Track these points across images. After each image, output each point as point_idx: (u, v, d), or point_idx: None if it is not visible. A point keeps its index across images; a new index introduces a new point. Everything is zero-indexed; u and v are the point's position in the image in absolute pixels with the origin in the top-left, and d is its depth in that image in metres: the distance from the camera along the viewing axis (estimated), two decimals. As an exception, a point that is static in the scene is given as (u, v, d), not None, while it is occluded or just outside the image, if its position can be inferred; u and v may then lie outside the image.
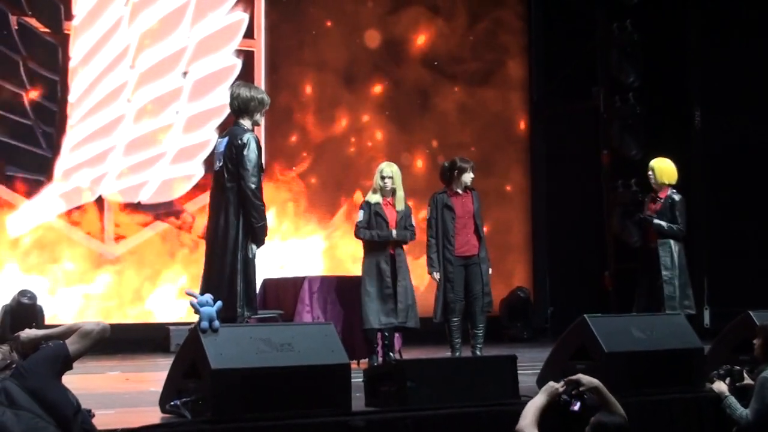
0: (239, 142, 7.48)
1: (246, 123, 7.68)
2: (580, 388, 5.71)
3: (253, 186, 7.53)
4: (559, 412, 5.70)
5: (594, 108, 15.22)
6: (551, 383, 5.78)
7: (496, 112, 15.74)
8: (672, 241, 10.01)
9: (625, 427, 5.57)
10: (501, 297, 14.66)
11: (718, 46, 14.81)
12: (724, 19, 14.68)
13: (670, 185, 10.17)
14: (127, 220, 13.32)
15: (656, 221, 9.99)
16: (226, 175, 7.57)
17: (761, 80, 14.31)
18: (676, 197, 10.12)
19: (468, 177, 10.12)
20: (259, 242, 7.70)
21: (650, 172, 10.21)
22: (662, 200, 10.09)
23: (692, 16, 15.09)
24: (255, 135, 7.65)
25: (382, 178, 10.02)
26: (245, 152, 7.45)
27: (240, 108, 7.65)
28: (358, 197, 10.42)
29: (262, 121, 8.01)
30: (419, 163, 14.91)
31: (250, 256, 7.65)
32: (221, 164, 7.59)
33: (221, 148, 7.63)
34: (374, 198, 10.02)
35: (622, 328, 7.44)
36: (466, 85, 15.54)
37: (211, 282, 7.59)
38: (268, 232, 7.79)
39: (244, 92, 7.68)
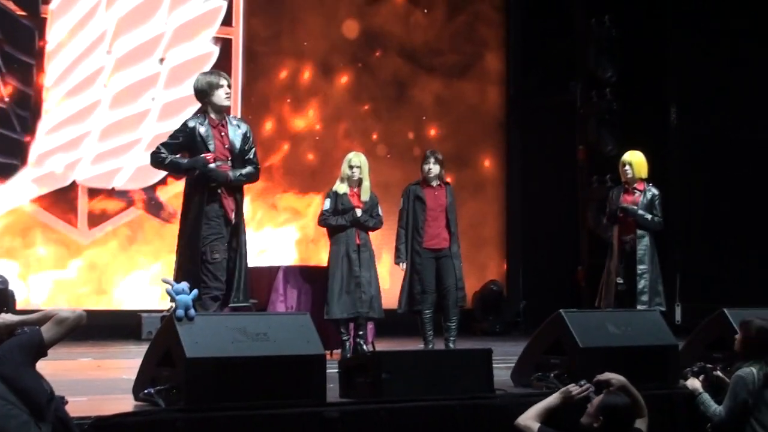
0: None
1: (208, 110, 7.94)
2: (610, 388, 5.75)
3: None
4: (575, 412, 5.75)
5: (571, 103, 15.24)
6: (569, 387, 5.82)
7: (473, 105, 15.74)
8: (648, 235, 10.05)
9: (634, 407, 5.62)
10: (474, 290, 14.66)
11: (695, 42, 14.84)
12: (702, 16, 14.71)
13: (644, 179, 10.22)
14: (100, 206, 13.25)
15: (640, 212, 10.01)
16: None
17: (737, 77, 14.37)
18: (656, 191, 10.16)
19: (425, 168, 10.08)
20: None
21: (627, 167, 10.21)
22: (641, 192, 10.11)
23: (670, 12, 15.12)
24: (195, 116, 8.03)
25: (350, 167, 10.00)
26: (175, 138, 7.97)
27: (200, 99, 7.99)
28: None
29: (221, 100, 7.99)
30: (395, 155, 14.87)
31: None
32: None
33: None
34: (341, 188, 10.00)
35: (598, 324, 7.45)
36: (443, 78, 15.52)
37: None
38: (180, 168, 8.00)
39: (195, 84, 7.98)
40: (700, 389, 6.99)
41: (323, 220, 9.99)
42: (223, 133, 7.99)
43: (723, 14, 14.55)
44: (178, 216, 8.14)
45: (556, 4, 15.49)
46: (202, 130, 7.88)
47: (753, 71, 14.42)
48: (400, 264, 10.07)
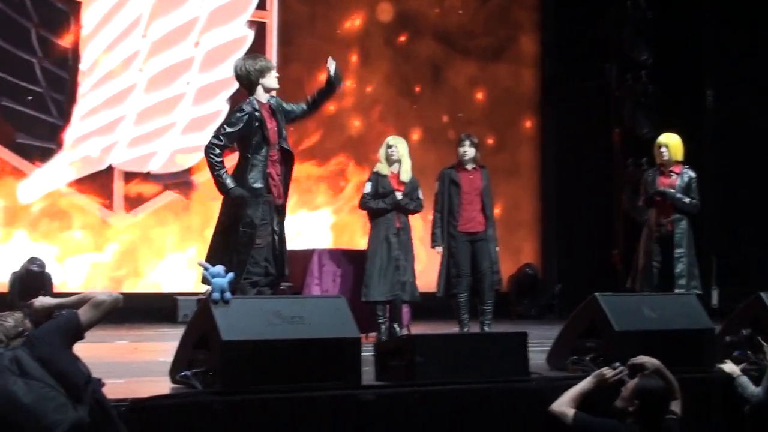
0: (234, 111, 7.73)
1: (257, 94, 7.80)
2: (644, 372, 5.73)
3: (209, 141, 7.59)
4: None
5: (606, 86, 15.17)
6: (602, 370, 5.80)
7: (507, 88, 15.69)
8: (686, 219, 9.98)
9: (669, 390, 5.61)
10: (509, 274, 14.65)
11: (731, 24, 14.74)
12: (739, -1, 14.61)
13: (680, 162, 10.14)
14: (136, 189, 13.32)
15: (678, 195, 9.93)
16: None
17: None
18: (693, 173, 10.07)
19: (461, 151, 10.06)
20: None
21: (663, 149, 10.12)
22: (678, 175, 10.03)
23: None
24: (246, 102, 7.76)
25: (388, 146, 10.01)
26: (227, 123, 7.65)
27: (247, 85, 7.83)
28: (369, 171, 10.43)
29: (274, 83, 8.00)
30: (430, 138, 14.86)
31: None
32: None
33: None
34: (382, 169, 9.99)
35: (633, 307, 7.42)
36: (478, 60, 15.48)
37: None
38: (223, 188, 7.59)
39: (241, 68, 7.80)
40: (738, 371, 6.96)
41: (364, 203, 9.99)
42: (272, 117, 7.94)
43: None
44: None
45: (591, -14, 15.41)
46: (257, 115, 7.78)
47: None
48: (437, 248, 10.07)
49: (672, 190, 9.96)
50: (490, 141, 15.11)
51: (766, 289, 7.98)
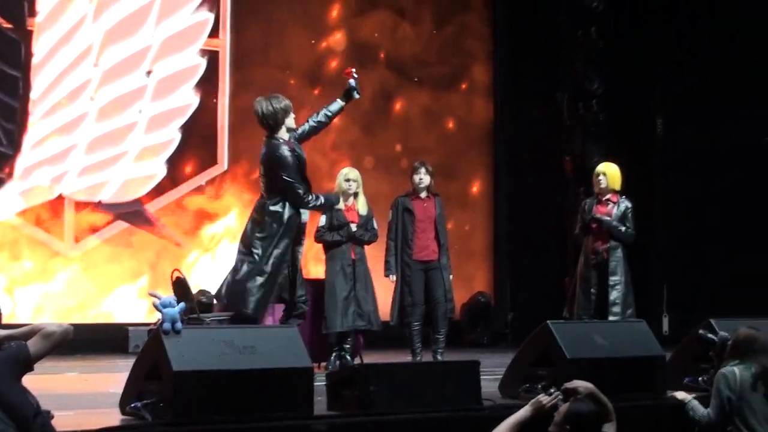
0: (277, 153, 8.03)
1: (280, 133, 8.21)
2: (577, 396, 5.74)
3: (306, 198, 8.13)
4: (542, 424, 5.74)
5: (558, 114, 15.26)
6: (539, 397, 5.80)
7: (460, 117, 15.75)
8: (621, 247, 10.13)
9: (601, 413, 5.62)
10: (462, 302, 14.65)
11: (681, 54, 14.90)
12: (688, 28, 14.77)
13: (617, 191, 10.31)
14: (87, 219, 13.22)
15: (615, 223, 10.09)
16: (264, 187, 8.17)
17: (722, 88, 14.41)
18: (629, 203, 10.27)
19: (416, 178, 10.15)
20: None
21: (601, 177, 10.33)
22: (615, 204, 10.17)
23: (656, 24, 15.17)
24: (283, 143, 8.18)
25: (347, 180, 10.06)
26: (284, 166, 7.99)
27: (272, 124, 8.18)
28: (322, 200, 10.46)
29: (294, 123, 8.43)
30: (382, 167, 14.87)
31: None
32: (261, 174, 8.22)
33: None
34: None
35: (585, 335, 7.47)
36: (430, 89, 15.54)
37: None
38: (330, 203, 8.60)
39: (266, 107, 8.18)
40: (690, 397, 7.01)
41: (319, 236, 10.04)
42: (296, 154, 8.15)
43: (708, 25, 14.60)
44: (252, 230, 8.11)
45: (542, 16, 15.51)
46: (296, 152, 8.12)
47: (738, 83, 14.47)
48: (390, 276, 10.11)
49: (608, 218, 10.10)
50: (442, 170, 15.13)
51: (716, 316, 8.06)
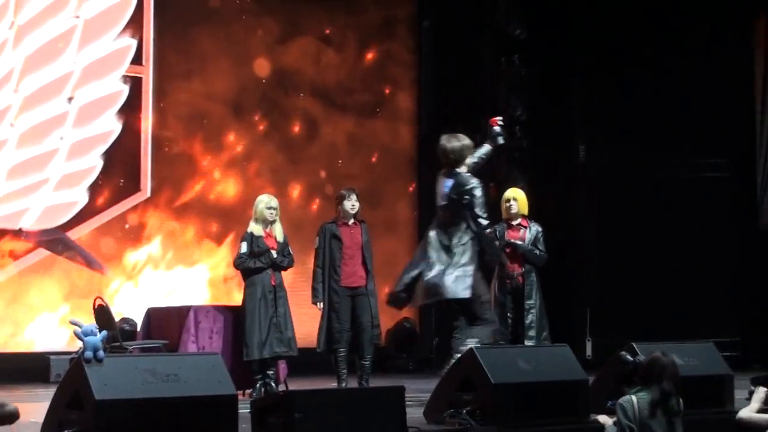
0: (467, 187, 8.90)
1: (463, 169, 9.02)
2: None
3: (485, 223, 9.05)
4: None
5: (482, 141, 15.32)
6: None
7: (385, 144, 15.80)
8: (534, 271, 10.24)
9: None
10: (387, 328, 14.65)
11: (602, 81, 15.10)
12: (609, 55, 14.98)
13: (525, 216, 10.45)
14: (7, 246, 13.04)
15: (530, 247, 10.22)
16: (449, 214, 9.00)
17: (643, 115, 14.64)
18: (539, 227, 10.41)
19: (348, 205, 10.19)
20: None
21: (512, 202, 10.47)
22: (526, 228, 10.29)
23: (578, 51, 15.35)
24: (467, 176, 9.06)
25: (269, 209, 10.12)
26: (474, 197, 8.90)
27: (457, 159, 9.04)
28: (246, 226, 10.45)
29: (471, 160, 9.25)
30: (307, 194, 14.87)
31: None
32: (445, 203, 9.02)
33: (446, 189, 8.98)
34: (257, 230, 10.12)
35: (509, 360, 7.51)
36: (355, 116, 15.57)
37: None
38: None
39: (454, 144, 9.11)
40: (610, 422, 7.05)
41: (241, 263, 10.06)
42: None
43: (628, 52, 14.82)
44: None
45: (466, 44, 15.63)
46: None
47: (657, 110, 14.70)
48: (318, 304, 10.10)
49: (522, 243, 10.22)
50: (367, 196, 15.16)
51: (638, 340, 8.14)
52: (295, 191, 14.75)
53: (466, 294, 8.89)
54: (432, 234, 9.06)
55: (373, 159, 15.67)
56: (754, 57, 15.27)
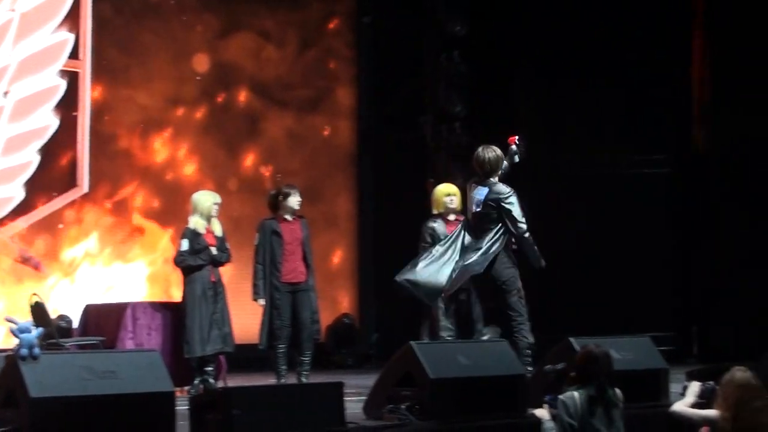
0: (505, 195, 9.60)
1: (496, 179, 9.71)
2: None
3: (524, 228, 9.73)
4: None
5: (422, 137, 15.39)
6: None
7: (324, 140, 15.77)
8: None
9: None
10: (326, 324, 14.61)
11: (542, 77, 15.18)
12: (549, 52, 15.06)
13: (460, 211, 10.53)
14: (-58, 242, 12.89)
15: None
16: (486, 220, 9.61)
17: (583, 112, 14.74)
18: None
19: (294, 201, 10.21)
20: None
21: (453, 197, 10.61)
22: (461, 224, 10.33)
23: (518, 48, 15.42)
24: (505, 185, 9.81)
25: (216, 204, 10.10)
26: (512, 204, 9.63)
27: (493, 169, 9.71)
28: (185, 222, 10.40)
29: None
30: (247, 189, 14.80)
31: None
32: (480, 209, 9.64)
33: (481, 196, 9.62)
34: (200, 226, 10.06)
35: (448, 355, 7.54)
36: (295, 112, 15.52)
37: None
38: None
39: (491, 155, 9.77)
40: (547, 417, 7.09)
41: (182, 261, 9.99)
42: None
43: (570, 50, 14.92)
44: None
45: (406, 40, 15.64)
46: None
47: (597, 107, 14.81)
48: (259, 300, 10.07)
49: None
50: (307, 192, 15.13)
51: (577, 335, 8.20)
52: (235, 186, 14.68)
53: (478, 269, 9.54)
54: (464, 237, 9.77)
55: (313, 155, 15.63)
56: (691, 60, 15.44)
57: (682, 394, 7.60)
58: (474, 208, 9.63)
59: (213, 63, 14.86)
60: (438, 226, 10.44)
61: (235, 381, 10.33)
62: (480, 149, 9.80)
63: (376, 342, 15.47)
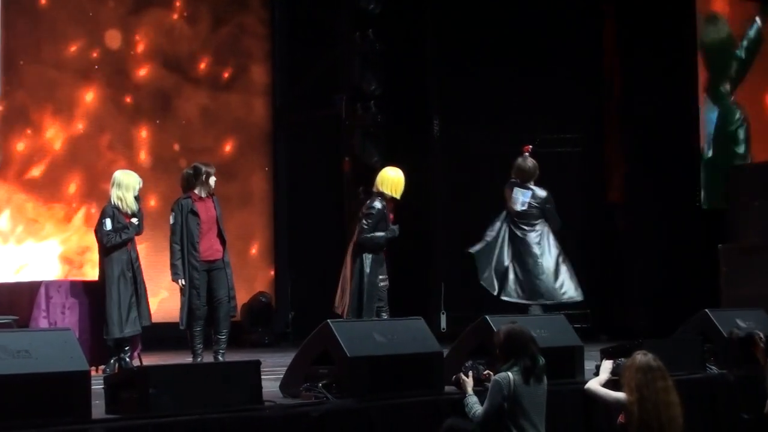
0: (546, 197, 11.28)
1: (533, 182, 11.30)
2: None
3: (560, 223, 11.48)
4: None
5: (336, 115, 15.38)
6: None
7: (239, 117, 15.70)
8: None
9: None
10: (242, 302, 14.61)
11: (456, 56, 15.25)
12: (462, 30, 15.14)
13: None
14: None
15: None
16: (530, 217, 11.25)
17: (496, 91, 14.84)
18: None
19: (213, 180, 10.17)
20: None
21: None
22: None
23: (431, 26, 15.48)
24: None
25: (139, 185, 10.00)
26: (553, 204, 11.31)
27: (531, 175, 11.26)
28: (98, 200, 10.29)
29: None
30: (161, 167, 14.68)
31: None
32: (524, 209, 11.22)
33: (526, 198, 11.20)
34: (122, 205, 9.93)
35: (365, 333, 7.54)
36: (208, 89, 15.42)
37: None
38: None
39: (531, 164, 11.27)
40: (470, 390, 7.14)
41: (108, 240, 9.82)
42: None
43: (482, 27, 15.01)
44: None
45: (320, 18, 15.62)
46: None
47: (511, 87, 14.92)
48: (179, 281, 9.99)
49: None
50: (221, 170, 15.06)
51: (492, 313, 8.28)
52: (148, 164, 14.55)
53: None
54: (510, 232, 11.35)
55: (227, 132, 15.56)
56: (602, 44, 15.65)
57: (596, 373, 7.72)
58: (519, 207, 11.23)
59: (125, 39, 14.70)
60: (382, 207, 10.36)
61: (150, 360, 10.25)
62: (520, 159, 11.32)
63: (292, 320, 15.47)
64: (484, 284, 11.31)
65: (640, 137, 15.23)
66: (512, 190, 11.36)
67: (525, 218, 11.28)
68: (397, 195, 10.36)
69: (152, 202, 13.96)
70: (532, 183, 11.30)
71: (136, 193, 10.03)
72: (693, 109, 15.51)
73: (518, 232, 11.36)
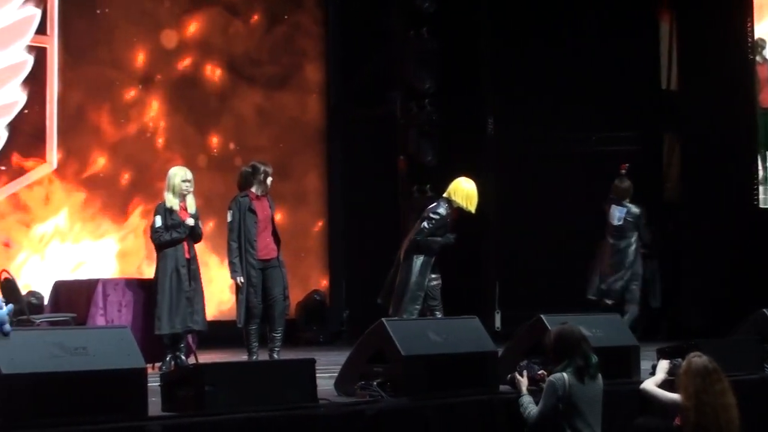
0: (640, 213, 12.46)
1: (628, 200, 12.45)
2: None
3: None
4: None
5: (391, 114, 15.37)
6: None
7: (293, 116, 15.74)
8: None
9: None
10: (297, 300, 14.65)
11: (511, 55, 15.18)
12: (518, 30, 15.06)
13: None
14: None
15: None
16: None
17: (552, 89, 14.75)
18: None
19: (270, 180, 10.25)
20: None
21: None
22: None
23: (487, 25, 15.42)
24: None
25: (185, 181, 10.02)
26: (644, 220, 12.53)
27: (626, 194, 12.45)
28: (154, 198, 10.35)
29: None
30: (216, 166, 14.76)
31: None
32: (621, 223, 12.43)
33: (622, 214, 12.39)
34: (174, 203, 9.98)
35: (419, 332, 7.54)
36: (263, 88, 15.48)
37: None
38: None
39: (627, 184, 12.40)
40: (524, 390, 7.13)
41: (158, 237, 9.91)
42: None
43: (538, 26, 14.93)
44: None
45: (375, 17, 15.61)
46: None
47: (566, 84, 14.82)
48: (238, 279, 10.05)
49: None
50: (276, 168, 15.09)
51: (547, 312, 8.23)
52: (204, 163, 14.64)
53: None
54: (615, 244, 12.57)
55: (282, 131, 15.60)
56: (659, 37, 15.48)
57: (652, 373, 7.66)
58: (615, 222, 12.46)
59: (181, 38, 14.79)
60: (446, 214, 10.31)
61: (206, 358, 10.31)
62: (617, 181, 12.48)
63: (346, 319, 15.49)
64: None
65: (698, 135, 15.06)
66: (610, 207, 12.64)
67: (621, 231, 12.53)
68: (472, 208, 10.32)
69: (208, 201, 14.03)
70: (627, 201, 12.51)
71: (184, 190, 10.00)
72: (752, 106, 15.32)
73: (615, 243, 12.61)
